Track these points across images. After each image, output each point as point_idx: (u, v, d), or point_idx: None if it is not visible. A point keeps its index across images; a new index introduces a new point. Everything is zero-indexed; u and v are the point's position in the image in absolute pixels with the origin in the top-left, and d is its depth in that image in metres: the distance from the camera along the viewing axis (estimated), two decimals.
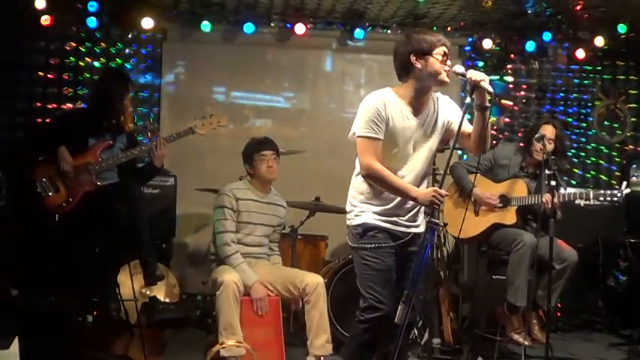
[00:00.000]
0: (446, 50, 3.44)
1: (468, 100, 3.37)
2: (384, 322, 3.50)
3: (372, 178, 3.50)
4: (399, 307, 3.19)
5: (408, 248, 3.60)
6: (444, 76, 3.43)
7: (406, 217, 3.60)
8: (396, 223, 3.58)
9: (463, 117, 3.40)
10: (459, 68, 3.40)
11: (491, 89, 3.30)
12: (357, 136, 3.50)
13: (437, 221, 3.27)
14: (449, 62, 3.44)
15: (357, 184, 3.62)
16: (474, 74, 3.32)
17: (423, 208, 3.56)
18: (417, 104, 3.53)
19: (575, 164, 7.37)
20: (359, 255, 3.58)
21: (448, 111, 3.61)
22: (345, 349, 3.87)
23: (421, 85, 3.48)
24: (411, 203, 3.55)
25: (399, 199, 3.53)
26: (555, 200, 4.52)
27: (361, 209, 3.58)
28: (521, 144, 5.46)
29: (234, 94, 7.08)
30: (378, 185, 3.51)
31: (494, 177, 5.22)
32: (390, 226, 3.56)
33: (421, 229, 3.61)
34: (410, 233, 3.61)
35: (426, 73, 3.44)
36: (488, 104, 3.37)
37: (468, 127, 3.52)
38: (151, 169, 4.99)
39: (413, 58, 3.45)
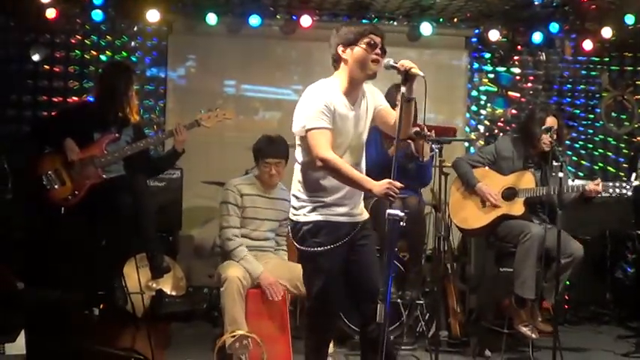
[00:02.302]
0: (375, 40, 3.42)
1: (403, 89, 3.33)
2: (332, 321, 3.75)
3: (329, 169, 3.41)
4: (377, 306, 3.14)
5: (359, 235, 3.56)
6: (371, 66, 3.42)
7: (352, 206, 3.55)
8: (347, 214, 3.53)
9: (402, 107, 3.33)
10: (389, 61, 3.36)
11: (422, 74, 3.29)
12: (308, 129, 3.43)
13: (395, 212, 3.19)
14: (377, 51, 3.42)
15: (303, 179, 3.55)
16: (404, 63, 3.31)
17: (362, 195, 3.57)
18: (352, 94, 3.51)
19: (583, 156, 7.34)
20: (308, 254, 3.53)
21: (374, 98, 3.62)
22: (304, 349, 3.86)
23: (351, 75, 3.47)
24: (354, 191, 3.51)
25: (347, 189, 3.48)
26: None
27: (312, 206, 3.50)
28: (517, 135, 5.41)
29: (241, 86, 7.08)
30: (334, 176, 3.44)
31: (498, 170, 5.19)
32: (342, 218, 3.51)
33: (364, 216, 3.62)
34: (359, 222, 3.58)
35: (352, 63, 3.44)
36: (413, 96, 3.35)
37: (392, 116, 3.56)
38: (173, 154, 5.00)
39: (340, 49, 3.47)
